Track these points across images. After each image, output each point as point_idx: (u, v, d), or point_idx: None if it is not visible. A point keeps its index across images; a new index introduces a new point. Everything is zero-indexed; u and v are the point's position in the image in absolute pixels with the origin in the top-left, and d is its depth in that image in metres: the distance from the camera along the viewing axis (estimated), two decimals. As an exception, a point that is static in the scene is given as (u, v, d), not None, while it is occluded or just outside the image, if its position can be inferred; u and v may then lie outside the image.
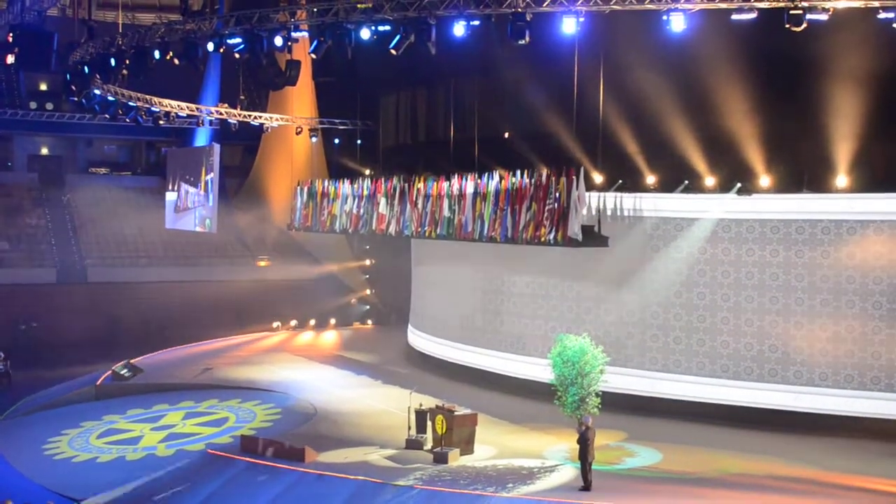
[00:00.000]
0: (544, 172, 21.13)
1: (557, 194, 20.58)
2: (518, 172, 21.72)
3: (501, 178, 22.09)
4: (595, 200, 22.38)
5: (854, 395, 20.59)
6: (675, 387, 22.63)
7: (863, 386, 20.52)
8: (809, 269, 20.99)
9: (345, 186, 28.51)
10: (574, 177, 20.34)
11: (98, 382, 27.68)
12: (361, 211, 27.56)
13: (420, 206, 24.85)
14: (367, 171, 32.81)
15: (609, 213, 22.78)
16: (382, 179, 26.74)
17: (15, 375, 29.44)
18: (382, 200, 26.44)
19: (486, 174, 22.71)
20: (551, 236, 20.73)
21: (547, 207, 20.84)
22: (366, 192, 27.30)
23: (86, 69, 25.39)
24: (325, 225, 29.57)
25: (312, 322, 38.16)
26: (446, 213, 23.90)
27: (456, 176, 23.69)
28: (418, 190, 24.87)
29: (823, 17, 16.44)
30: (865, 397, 20.48)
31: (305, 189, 30.72)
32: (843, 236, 20.65)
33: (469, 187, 23.18)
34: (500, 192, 22.12)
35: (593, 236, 21.07)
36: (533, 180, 21.30)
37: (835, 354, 20.81)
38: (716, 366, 22.15)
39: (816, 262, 20.91)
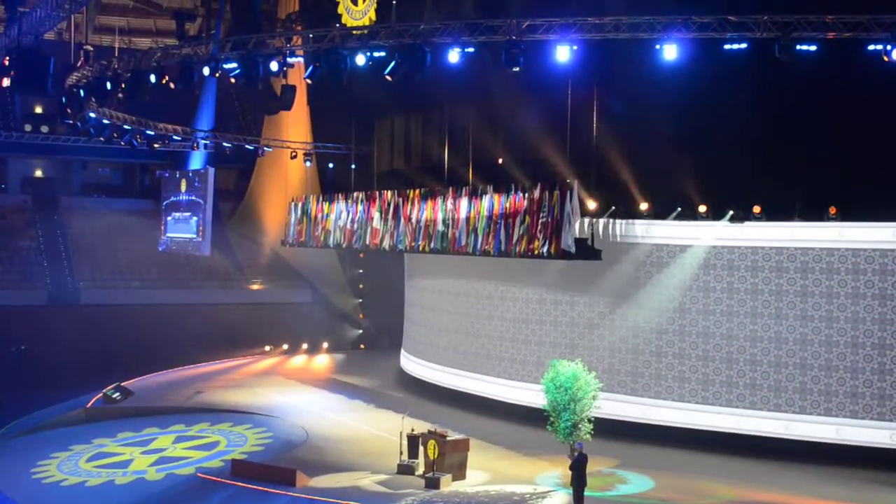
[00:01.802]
0: (538, 186, 21.18)
1: (551, 208, 20.60)
2: (512, 190, 21.82)
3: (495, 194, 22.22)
4: (588, 224, 22.48)
5: (846, 423, 20.60)
6: (667, 413, 22.63)
7: (854, 414, 20.53)
8: (801, 297, 21.07)
9: (339, 202, 28.57)
10: (567, 190, 20.38)
11: (88, 405, 27.53)
12: (355, 226, 27.59)
13: (414, 220, 24.92)
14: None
15: (602, 238, 22.84)
16: (377, 195, 26.78)
17: (5, 398, 29.22)
18: (376, 215, 26.51)
19: (480, 189, 22.83)
20: (544, 249, 20.72)
21: (540, 220, 20.86)
22: (360, 208, 27.36)
23: (81, 92, 25.48)
24: (318, 240, 29.60)
25: (305, 346, 38.08)
26: (440, 227, 23.97)
27: (450, 191, 23.78)
28: (412, 205, 24.95)
29: (814, 47, 16.64)
30: (857, 425, 20.49)
31: (299, 205, 30.75)
32: (834, 265, 20.74)
33: (463, 203, 23.25)
34: (494, 206, 22.18)
35: (586, 249, 21.10)
36: (527, 195, 21.36)
37: (826, 382, 20.84)
38: (708, 393, 22.17)
39: (808, 290, 20.99)
